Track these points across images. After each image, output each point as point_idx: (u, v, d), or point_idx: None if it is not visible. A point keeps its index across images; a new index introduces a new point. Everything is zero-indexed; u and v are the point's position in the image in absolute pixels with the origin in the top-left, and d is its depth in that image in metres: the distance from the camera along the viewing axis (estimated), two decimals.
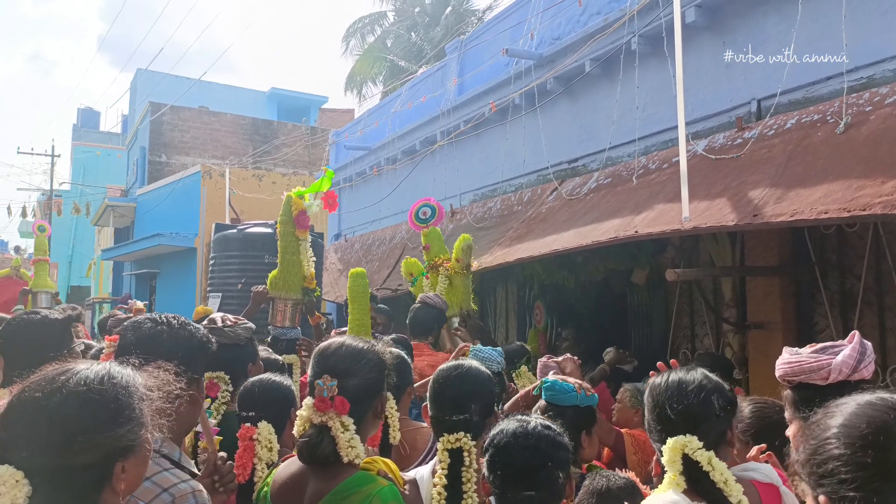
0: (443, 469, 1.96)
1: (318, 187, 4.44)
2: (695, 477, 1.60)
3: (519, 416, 1.73)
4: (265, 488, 1.80)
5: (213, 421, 2.41)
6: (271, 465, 2.14)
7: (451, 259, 5.08)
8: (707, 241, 4.98)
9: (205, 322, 2.77)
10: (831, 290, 4.46)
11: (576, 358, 3.13)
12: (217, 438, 2.02)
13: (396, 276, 8.03)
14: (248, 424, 2.22)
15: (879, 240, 4.20)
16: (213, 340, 1.86)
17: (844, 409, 1.01)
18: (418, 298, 4.56)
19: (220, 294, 7.71)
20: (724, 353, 4.96)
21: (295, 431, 1.72)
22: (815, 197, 3.40)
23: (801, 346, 1.92)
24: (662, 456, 1.69)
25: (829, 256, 4.51)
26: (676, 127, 4.24)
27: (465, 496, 1.89)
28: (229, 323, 2.73)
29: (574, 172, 6.34)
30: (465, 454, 1.91)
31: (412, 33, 21.04)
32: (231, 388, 2.57)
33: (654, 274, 5.55)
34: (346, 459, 1.63)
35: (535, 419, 1.73)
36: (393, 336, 3.74)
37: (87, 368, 1.22)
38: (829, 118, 3.95)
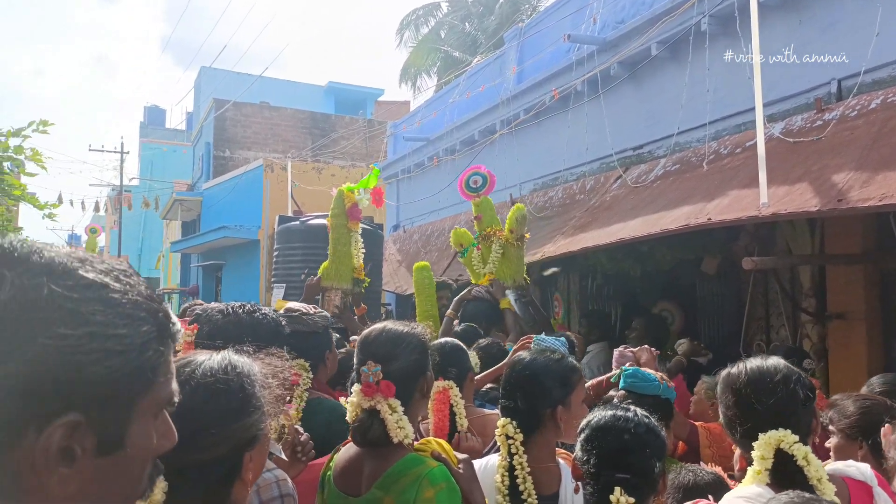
0: (504, 458, 1.97)
1: (366, 184, 4.62)
2: (783, 470, 1.56)
3: (616, 404, 1.71)
4: (328, 472, 1.86)
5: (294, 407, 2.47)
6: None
7: (505, 229, 4.88)
8: (784, 228, 4.79)
9: (283, 311, 2.83)
10: None
11: (653, 349, 3.05)
12: (294, 413, 2.08)
13: (456, 266, 8.03)
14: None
15: None
16: (283, 324, 1.89)
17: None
18: (468, 291, 4.52)
19: (285, 284, 7.89)
20: (802, 345, 4.76)
21: (348, 417, 1.78)
22: None
23: (886, 336, 1.84)
24: (746, 450, 1.64)
25: None
26: (749, 110, 4.09)
27: (517, 480, 1.90)
28: (305, 311, 2.78)
29: (639, 159, 6.20)
30: (511, 442, 1.93)
31: (466, 23, 20.94)
32: (312, 376, 2.61)
33: (725, 263, 5.37)
34: (395, 440, 1.68)
35: (637, 410, 1.71)
36: (461, 326, 3.75)
37: (209, 359, 1.21)
38: None
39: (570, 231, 5.98)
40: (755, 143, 3.97)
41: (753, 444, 1.61)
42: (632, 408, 1.69)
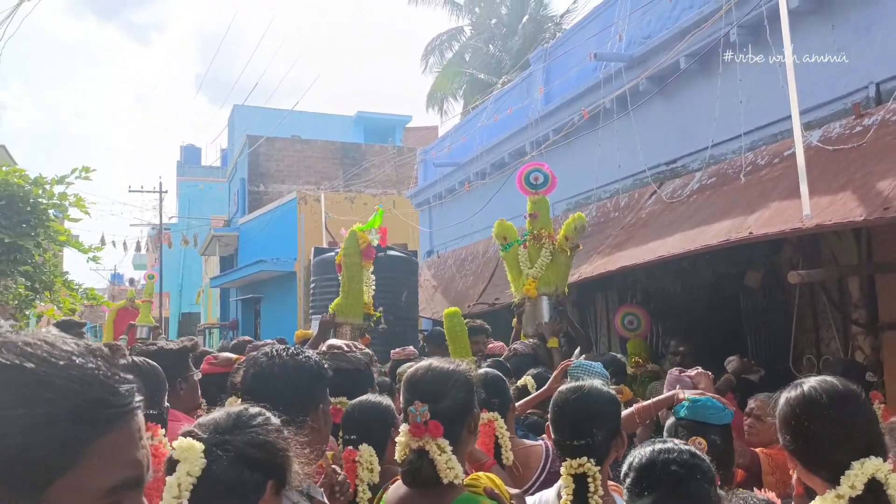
0: (568, 495, 1.92)
1: (374, 224, 4.94)
2: (864, 498, 1.50)
3: (655, 439, 1.66)
4: None
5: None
6: (373, 486, 2.19)
7: (559, 235, 4.77)
8: (829, 239, 4.65)
9: (325, 347, 2.84)
10: None
11: (709, 373, 2.96)
12: (330, 453, 2.10)
13: (492, 289, 7.99)
14: (350, 448, 2.27)
15: None
16: (326, 366, 1.90)
17: None
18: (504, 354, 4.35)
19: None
20: (855, 357, 4.59)
21: (396, 457, 1.76)
22: None
23: None
24: (818, 474, 1.57)
25: None
26: (784, 119, 4.01)
27: None
28: (348, 349, 2.78)
29: (673, 174, 6.11)
30: (590, 480, 1.88)
31: (490, 45, 21.08)
32: None
33: (769, 275, 5.23)
34: (445, 481, 1.66)
35: (670, 440, 1.66)
36: (490, 361, 3.72)
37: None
38: None
39: (607, 250, 5.90)
40: (793, 153, 3.88)
41: (846, 471, 1.53)
42: (668, 439, 1.64)
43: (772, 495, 1.96)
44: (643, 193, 6.34)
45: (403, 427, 1.75)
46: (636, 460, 1.61)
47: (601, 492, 1.87)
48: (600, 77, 6.72)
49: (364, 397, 2.44)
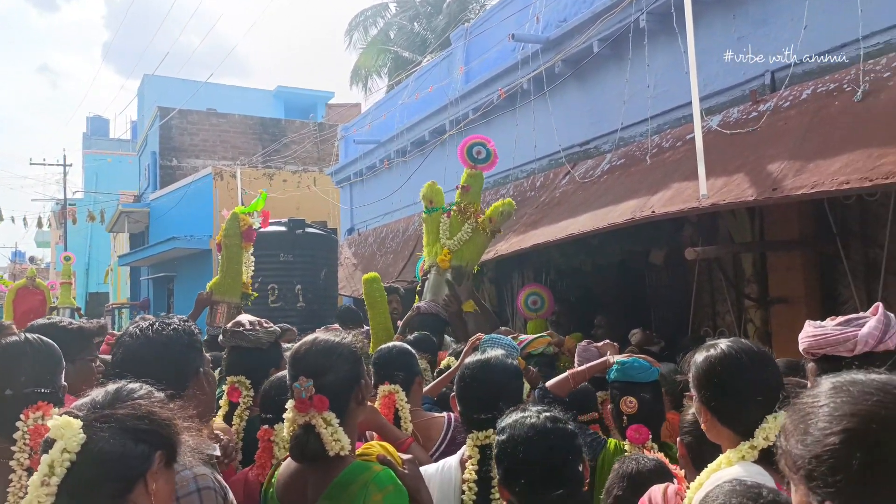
0: (473, 465, 1.98)
1: (256, 206, 5.15)
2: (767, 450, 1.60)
3: (518, 417, 1.70)
4: (271, 490, 1.85)
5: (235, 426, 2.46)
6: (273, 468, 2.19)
7: (485, 215, 4.80)
8: (725, 218, 4.93)
9: (230, 325, 2.78)
10: (854, 262, 4.40)
11: (615, 344, 3.10)
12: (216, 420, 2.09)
13: (411, 268, 8.02)
14: (266, 427, 2.25)
15: None
16: (196, 332, 1.87)
17: (844, 405, 0.85)
18: (416, 308, 4.38)
19: None
20: (747, 330, 4.92)
21: (284, 433, 1.76)
22: (836, 167, 3.35)
23: (826, 318, 1.92)
24: (732, 429, 1.66)
25: (852, 227, 4.45)
26: (689, 104, 4.19)
27: (493, 491, 1.92)
28: (249, 327, 2.73)
29: (586, 155, 6.30)
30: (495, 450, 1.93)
31: (415, 23, 20.91)
32: (253, 393, 2.58)
33: (672, 253, 5.51)
34: (332, 453, 1.68)
35: (538, 413, 1.70)
36: (415, 335, 3.74)
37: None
38: (846, 87, 3.88)
39: (522, 228, 6.04)
40: (694, 136, 4.08)
41: (760, 425, 1.62)
42: (535, 415, 1.67)
43: (661, 455, 2.09)
44: (558, 173, 6.51)
45: (290, 403, 1.74)
46: (509, 447, 1.65)
47: None
48: (518, 58, 6.81)
49: (281, 374, 2.41)
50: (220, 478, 1.78)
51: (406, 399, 2.69)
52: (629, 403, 2.33)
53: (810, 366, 1.89)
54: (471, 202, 4.82)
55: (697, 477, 1.67)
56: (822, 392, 0.90)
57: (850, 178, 3.20)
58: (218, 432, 2.09)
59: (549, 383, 2.72)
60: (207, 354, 1.99)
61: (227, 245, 4.95)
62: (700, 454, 1.85)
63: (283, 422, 1.96)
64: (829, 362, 1.81)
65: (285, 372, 2.39)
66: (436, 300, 4.53)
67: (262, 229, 5.45)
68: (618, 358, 2.55)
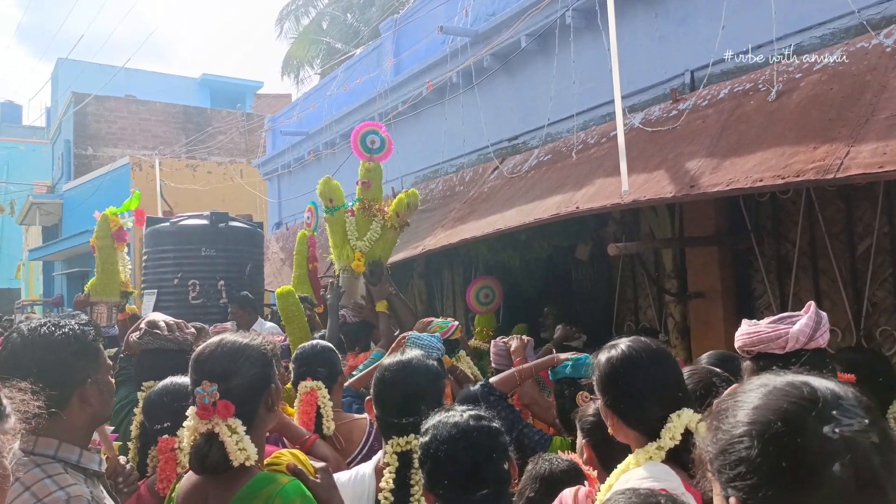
0: (390, 473, 1.89)
1: (129, 206, 5.38)
2: (674, 448, 1.61)
3: (442, 417, 1.63)
4: (171, 503, 1.73)
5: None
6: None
7: (390, 210, 4.57)
8: (647, 214, 5.00)
9: (145, 325, 2.61)
10: (767, 257, 4.55)
11: (524, 337, 3.09)
12: (117, 444, 2.01)
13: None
14: (165, 437, 2.09)
15: (812, 205, 4.29)
16: (91, 337, 1.74)
17: (754, 399, 0.86)
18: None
19: (156, 291, 7.40)
20: (667, 324, 5.02)
21: (185, 442, 1.65)
22: (750, 165, 3.43)
23: (740, 314, 1.94)
24: (637, 430, 1.66)
25: (765, 224, 4.60)
26: (611, 101, 4.21)
27: (412, 499, 1.86)
28: (164, 327, 2.56)
29: (515, 150, 6.29)
30: (415, 456, 1.85)
31: (347, 14, 20.56)
32: None
33: (597, 249, 5.57)
34: (235, 463, 1.58)
35: (461, 412, 1.64)
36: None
37: None
38: (760, 86, 3.98)
39: (450, 223, 5.98)
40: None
41: (665, 424, 1.62)
42: (459, 414, 1.62)
43: (574, 456, 2.07)
44: (487, 168, 6.48)
45: (190, 410, 1.62)
46: (433, 447, 1.58)
47: None
48: (447, 51, 6.74)
49: (168, 381, 2.24)
50: (100, 495, 1.65)
51: (329, 397, 2.59)
52: (584, 398, 2.33)
53: (746, 364, 1.91)
54: (374, 198, 4.57)
55: (608, 479, 1.64)
56: (740, 391, 0.91)
57: (764, 176, 3.27)
58: (121, 458, 1.99)
59: (493, 379, 2.69)
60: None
61: (100, 247, 5.16)
62: (609, 455, 1.83)
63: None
64: (763, 360, 1.82)
65: (174, 378, 2.24)
66: (352, 303, 4.44)
67: (175, 222, 5.34)
68: (568, 355, 2.55)
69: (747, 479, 0.82)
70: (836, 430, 0.79)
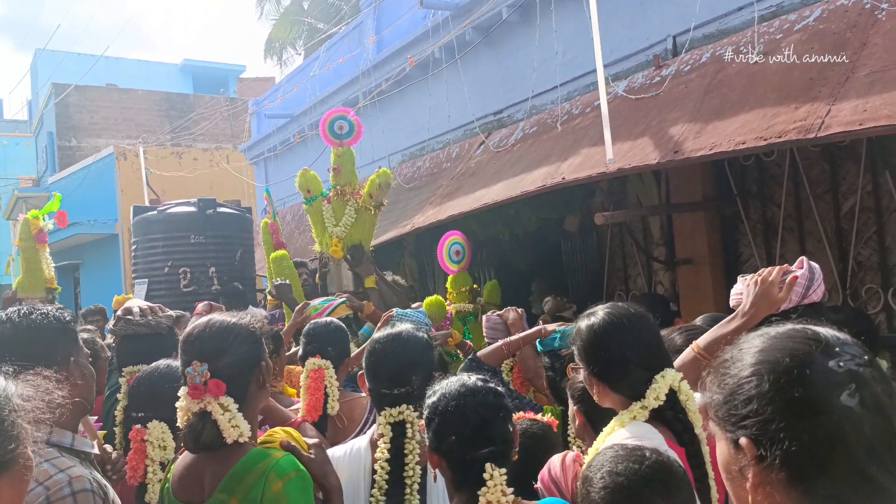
0: (385, 443, 1.91)
1: (50, 208, 5.68)
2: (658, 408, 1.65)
3: (449, 380, 1.66)
4: (167, 484, 1.75)
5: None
6: (168, 464, 2.06)
7: (363, 192, 4.62)
8: (634, 182, 5.01)
9: (118, 314, 2.61)
10: (753, 221, 4.57)
11: (518, 309, 3.10)
12: (102, 432, 2.02)
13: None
14: (137, 426, 2.10)
15: (796, 166, 4.31)
16: (68, 319, 1.77)
17: (759, 343, 0.91)
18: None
19: (147, 280, 7.39)
20: (656, 291, 5.05)
21: (179, 423, 1.67)
22: (733, 128, 3.43)
23: (729, 278, 1.95)
24: (618, 392, 1.69)
25: (750, 187, 4.61)
26: (594, 71, 4.19)
27: (407, 468, 1.88)
28: (137, 312, 2.56)
29: (500, 124, 6.27)
30: (408, 426, 1.89)
31: None
32: None
33: (585, 219, 5.58)
34: (229, 440, 1.60)
35: (469, 376, 1.66)
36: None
37: None
38: (742, 49, 3.97)
39: (438, 200, 5.97)
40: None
41: (650, 385, 1.65)
42: (466, 377, 1.64)
43: (550, 419, 2.10)
44: (473, 143, 6.46)
45: (182, 390, 1.64)
46: (441, 404, 1.59)
47: (419, 437, 1.87)
48: (429, 26, 6.67)
49: (149, 368, 2.24)
50: (98, 476, 1.67)
51: (335, 377, 2.60)
52: (575, 367, 2.35)
53: None
54: (347, 182, 4.63)
55: (594, 442, 1.66)
56: (742, 341, 0.95)
57: (747, 139, 3.27)
58: (107, 447, 2.00)
59: (481, 352, 2.71)
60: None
61: (24, 248, 5.59)
62: (601, 420, 1.85)
63: (157, 420, 1.83)
64: None
65: (157, 363, 2.24)
66: (341, 289, 4.45)
67: (163, 210, 5.29)
68: (555, 326, 2.56)
69: (759, 416, 0.85)
70: (841, 364, 0.84)
